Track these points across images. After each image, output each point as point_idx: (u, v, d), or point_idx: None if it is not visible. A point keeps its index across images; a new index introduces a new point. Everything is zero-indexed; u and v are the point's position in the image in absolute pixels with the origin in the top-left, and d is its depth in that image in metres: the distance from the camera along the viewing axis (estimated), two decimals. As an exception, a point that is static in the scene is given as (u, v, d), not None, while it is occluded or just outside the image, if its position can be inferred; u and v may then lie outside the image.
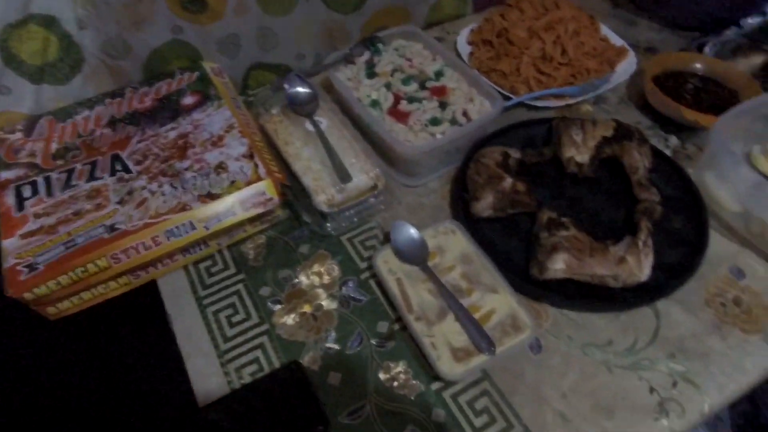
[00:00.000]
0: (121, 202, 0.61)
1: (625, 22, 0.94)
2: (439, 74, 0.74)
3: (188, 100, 0.72)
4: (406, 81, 0.73)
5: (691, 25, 0.91)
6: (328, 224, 0.64)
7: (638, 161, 0.67)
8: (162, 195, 0.62)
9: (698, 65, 0.79)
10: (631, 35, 0.89)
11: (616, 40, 0.85)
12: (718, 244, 0.63)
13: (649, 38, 0.91)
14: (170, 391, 0.55)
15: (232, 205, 0.61)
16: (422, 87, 0.73)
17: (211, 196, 0.61)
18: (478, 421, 0.51)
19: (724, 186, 0.65)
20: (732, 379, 0.53)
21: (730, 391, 0.52)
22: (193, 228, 0.59)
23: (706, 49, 0.83)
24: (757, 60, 0.82)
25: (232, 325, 0.59)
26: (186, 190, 0.62)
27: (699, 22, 0.89)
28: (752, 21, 0.84)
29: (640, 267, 0.57)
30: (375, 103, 0.72)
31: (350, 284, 0.62)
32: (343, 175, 0.61)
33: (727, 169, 0.63)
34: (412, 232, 0.61)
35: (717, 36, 0.84)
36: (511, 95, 0.78)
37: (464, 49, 0.87)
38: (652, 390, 0.53)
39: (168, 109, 0.71)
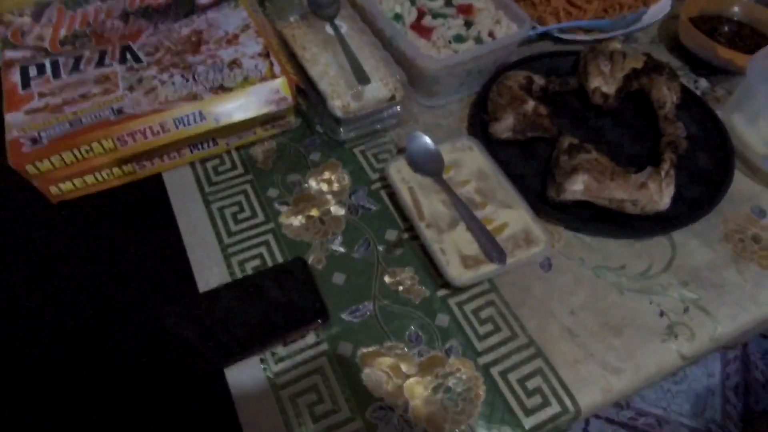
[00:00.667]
0: (130, 89, 0.59)
1: (662, -33, 0.90)
2: (467, -8, 0.71)
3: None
4: (432, -4, 0.70)
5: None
6: (342, 130, 0.61)
7: (666, 96, 0.65)
8: (173, 84, 0.59)
9: (736, 9, 0.76)
10: (667, -20, 0.85)
11: (653, -20, 0.82)
12: (741, 183, 0.62)
13: (685, -15, 0.87)
14: (172, 278, 0.53)
15: (245, 101, 0.58)
16: (448, 4, 0.70)
17: (224, 89, 0.59)
18: (483, 329, 0.50)
19: (753, 127, 0.63)
20: (745, 309, 0.52)
21: (742, 321, 0.51)
22: (203, 119, 0.57)
23: (745, -3, 0.80)
24: (797, 11, 0.78)
25: (237, 221, 0.57)
26: (198, 81, 0.60)
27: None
28: (796, -29, 0.80)
29: (661, 195, 0.56)
30: (398, 17, 0.69)
31: (360, 193, 0.60)
32: (362, 77, 0.59)
33: (763, 107, 0.60)
34: (429, 143, 0.59)
35: (758, -16, 0.81)
36: (538, 25, 0.75)
37: (494, -22, 0.83)
38: (662, 314, 0.51)
39: (183, 6, 0.69)
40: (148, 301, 0.50)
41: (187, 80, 0.60)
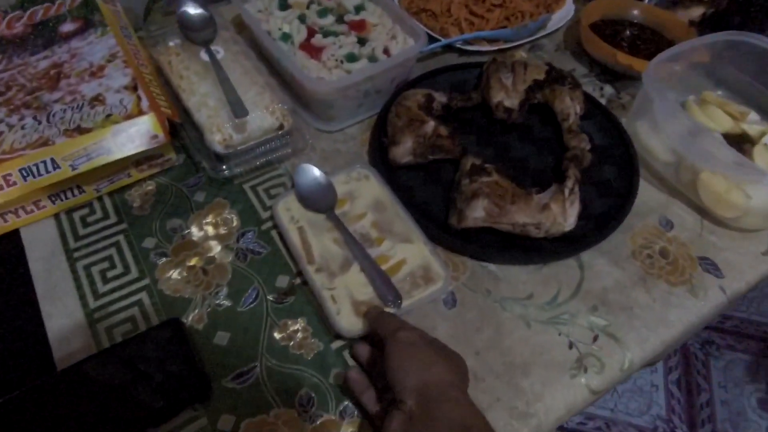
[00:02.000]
0: (-30, 137, 0.51)
1: (566, -30, 0.89)
2: (359, 8, 0.67)
3: (68, 27, 0.62)
4: (322, 13, 0.65)
5: (633, -24, 0.86)
6: (224, 167, 0.56)
7: (569, 107, 0.63)
8: (22, 129, 0.52)
9: (636, 12, 0.75)
10: (571, -17, 0.84)
11: (555, -15, 0.80)
12: (647, 194, 0.60)
13: (589, -12, 0.86)
14: (25, 355, 0.46)
15: (106, 142, 0.52)
16: (340, 21, 0.66)
17: (80, 131, 0.52)
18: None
19: (656, 134, 0.61)
20: (654, 333, 0.49)
21: (652, 345, 0.49)
22: (57, 167, 0.50)
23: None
24: (696, 11, 0.78)
25: (106, 280, 0.51)
26: (51, 123, 0.52)
27: (640, -29, 0.85)
28: (693, -29, 0.80)
29: (565, 215, 0.53)
30: (286, 37, 0.64)
31: (249, 235, 0.55)
32: (238, 109, 0.53)
33: (661, 114, 0.59)
34: (318, 175, 0.55)
35: (658, -15, 0.80)
36: (440, 38, 0.72)
37: (395, -11, 0.79)
38: (571, 345, 0.48)
39: (42, 36, 0.61)
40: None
41: (40, 122, 0.53)
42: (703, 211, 0.58)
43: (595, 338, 0.49)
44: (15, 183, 0.49)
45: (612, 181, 0.60)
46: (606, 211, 0.57)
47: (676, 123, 0.57)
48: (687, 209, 0.59)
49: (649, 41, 0.73)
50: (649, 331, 0.49)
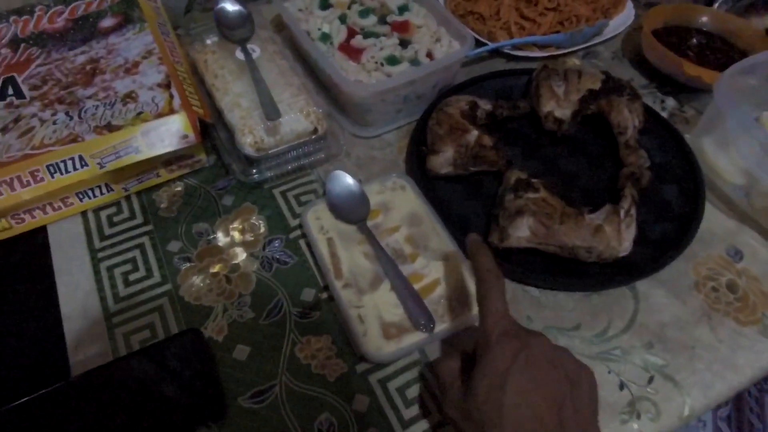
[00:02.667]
0: (3, 130, 0.51)
1: (626, -26, 0.83)
2: (403, 9, 0.63)
3: (107, 22, 0.62)
4: (363, 13, 0.62)
5: (700, -20, 0.80)
6: (255, 171, 0.53)
7: (628, 120, 0.57)
8: (53, 124, 0.51)
9: (705, 19, 0.69)
10: (631, -13, 0.78)
11: (614, -11, 0.75)
12: (714, 220, 0.54)
13: (651, -8, 0.80)
14: (41, 358, 0.45)
15: (135, 140, 0.50)
16: (382, 22, 0.63)
17: (110, 128, 0.50)
18: (409, 413, 0.42)
19: (726, 153, 0.55)
20: (720, 378, 0.44)
21: (717, 393, 0.43)
22: (84, 164, 0.49)
23: (716, 5, 0.73)
24: (772, 20, 0.71)
25: (128, 283, 0.49)
26: (82, 120, 0.51)
27: (709, -24, 0.78)
28: (770, -24, 0.73)
29: (620, 239, 0.48)
30: (325, 37, 0.61)
31: (276, 244, 0.52)
32: (271, 111, 0.51)
33: (733, 131, 0.53)
34: (352, 184, 0.51)
35: (729, -9, 0.74)
36: (487, 42, 0.67)
37: (441, -9, 0.76)
38: (623, 386, 0.43)
39: (81, 31, 0.61)
40: (8, 389, 0.41)
41: (71, 118, 0.52)
42: (778, 242, 0.52)
43: (651, 379, 0.44)
44: (42, 179, 0.48)
45: (673, 203, 0.54)
46: (665, 237, 0.51)
47: (750, 140, 0.51)
48: (759, 239, 0.52)
49: (719, 51, 0.67)
50: (714, 376, 0.44)
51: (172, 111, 0.52)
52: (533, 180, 0.51)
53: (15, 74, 0.56)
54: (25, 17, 0.62)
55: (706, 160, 0.57)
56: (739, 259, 0.51)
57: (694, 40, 0.68)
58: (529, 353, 0.33)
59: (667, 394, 0.43)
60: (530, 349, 0.33)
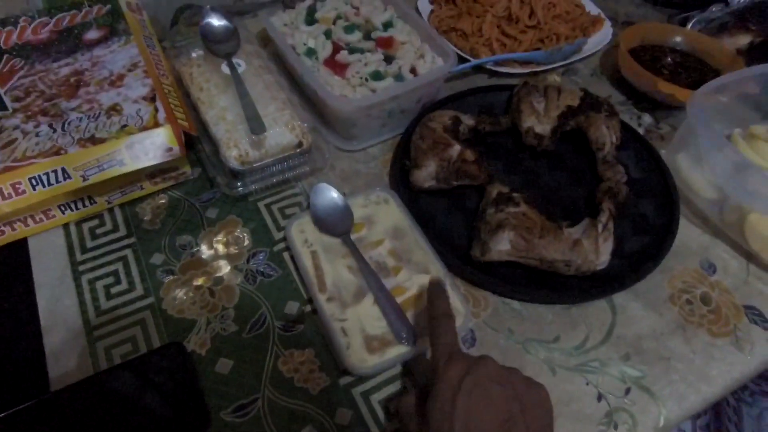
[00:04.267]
0: (-15, 142, 0.50)
1: (605, -7, 0.86)
2: (387, 25, 0.65)
3: (92, 34, 0.62)
4: (349, 29, 0.63)
5: (674, 1, 0.83)
6: (239, 184, 0.53)
7: (605, 136, 0.59)
8: (36, 136, 0.51)
9: (679, 39, 0.72)
10: (609, 7, 0.81)
11: (592, 8, 0.77)
12: (688, 233, 0.56)
13: (628, 12, 0.83)
14: (20, 372, 0.44)
15: (119, 153, 0.50)
16: (367, 38, 0.64)
17: (94, 141, 0.50)
18: (391, 426, 0.42)
19: (699, 169, 0.57)
20: (694, 389, 0.45)
21: (691, 403, 0.44)
22: (68, 177, 0.49)
23: (690, 25, 0.75)
24: (743, 40, 0.74)
25: (110, 296, 0.49)
26: (66, 132, 0.51)
27: (683, -3, 0.81)
28: (740, -2, 0.76)
29: (597, 252, 0.49)
30: (311, 52, 0.62)
31: (261, 257, 0.52)
32: (256, 125, 0.51)
33: (705, 148, 0.55)
34: (336, 197, 0.52)
35: (701, 12, 0.77)
36: (470, 58, 0.69)
37: (425, 8, 0.77)
38: (600, 397, 0.44)
39: (66, 43, 0.60)
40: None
41: (55, 130, 0.51)
42: (750, 255, 0.53)
43: (628, 390, 0.45)
44: (24, 192, 0.48)
45: (649, 217, 0.56)
46: (642, 250, 0.53)
47: (722, 158, 0.53)
48: (732, 252, 0.54)
49: (692, 69, 0.69)
50: (688, 387, 0.45)
51: (156, 124, 0.52)
52: (514, 194, 0.52)
53: (-3, 85, 0.56)
54: (8, 28, 0.62)
55: (681, 175, 0.58)
56: (713, 273, 0.53)
57: (669, 59, 0.70)
58: (476, 376, 0.33)
59: (643, 405, 0.44)
60: (476, 372, 0.34)
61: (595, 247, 0.49)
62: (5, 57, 0.59)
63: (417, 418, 0.36)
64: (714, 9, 0.76)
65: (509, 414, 0.32)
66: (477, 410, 0.32)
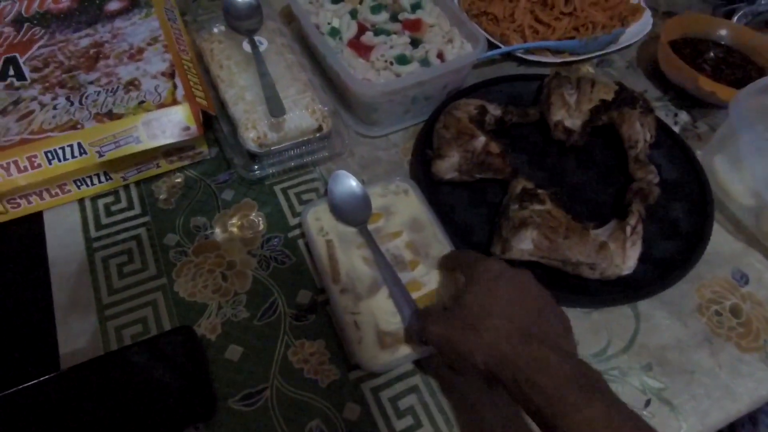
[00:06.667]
0: (3, 112, 0.50)
1: (646, -20, 0.82)
2: (416, 6, 0.62)
3: (114, 5, 0.60)
4: (375, 9, 0.61)
5: (721, -8, 0.78)
6: (256, 167, 0.52)
7: (639, 133, 0.56)
8: (53, 109, 0.50)
9: (723, 32, 0.68)
10: (650, -5, 0.77)
11: (632, -4, 0.73)
12: (721, 241, 0.53)
13: (671, 2, 0.79)
14: (31, 348, 0.44)
15: (135, 130, 0.49)
16: (394, 19, 0.61)
17: (111, 116, 0.49)
18: (400, 424, 0.41)
19: (737, 173, 0.54)
20: (717, 405, 0.43)
21: (714, 420, 0.42)
22: (83, 152, 0.48)
23: (735, 18, 0.71)
24: (792, 36, 0.70)
25: (122, 275, 0.48)
26: (83, 106, 0.50)
27: (730, -13, 0.77)
28: (792, -9, 0.72)
29: (624, 257, 0.47)
30: (335, 32, 0.60)
31: (275, 242, 0.51)
32: (275, 107, 0.50)
33: (746, 151, 0.52)
34: (354, 185, 0.50)
35: (749, 4, 0.72)
36: (500, 45, 0.66)
37: (456, -11, 0.74)
38: (618, 407, 0.43)
39: (87, 13, 0.59)
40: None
41: (72, 104, 0.50)
42: (786, 268, 0.51)
43: (648, 402, 0.43)
44: (39, 165, 0.47)
45: (680, 221, 0.53)
46: (671, 256, 0.50)
47: (763, 162, 0.50)
48: (767, 263, 0.51)
49: (736, 66, 0.65)
50: (712, 402, 0.43)
51: (174, 101, 0.51)
52: (539, 191, 0.50)
53: (17, 54, 0.55)
54: (29, -5, 0.60)
55: (717, 178, 0.56)
56: (745, 283, 0.50)
57: (712, 54, 0.66)
58: (514, 271, 0.38)
59: (663, 418, 0.42)
60: (513, 269, 0.38)
61: (622, 252, 0.47)
62: (26, 25, 0.58)
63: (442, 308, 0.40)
64: (763, 1, 0.72)
65: (542, 307, 0.36)
66: (515, 296, 0.36)
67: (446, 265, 0.46)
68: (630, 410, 0.30)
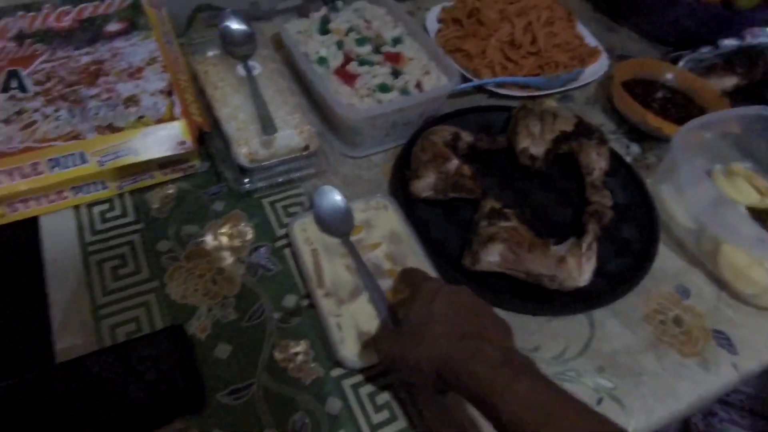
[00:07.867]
0: (6, 121, 0.53)
1: (604, 27, 0.90)
2: (397, 41, 0.68)
3: (113, 26, 0.64)
4: (360, 41, 0.67)
5: (669, 40, 0.87)
6: (247, 180, 0.56)
7: (595, 161, 0.63)
8: (56, 120, 0.53)
9: (670, 76, 0.76)
10: (607, 40, 0.85)
11: (591, 41, 0.81)
12: (665, 259, 0.59)
13: (625, 47, 0.87)
14: (27, 343, 0.46)
15: (135, 143, 0.53)
16: (377, 51, 0.67)
17: (112, 129, 0.53)
18: (377, 417, 0.45)
19: (680, 199, 0.61)
20: (662, 404, 0.48)
21: (659, 417, 0.47)
22: (85, 161, 0.51)
23: (681, 64, 0.80)
24: (729, 82, 0.78)
25: (116, 277, 0.51)
26: (85, 118, 0.53)
27: (676, 36, 0.86)
28: (728, 43, 0.81)
29: (580, 270, 0.52)
30: (322, 60, 0.65)
31: (262, 251, 0.55)
32: (268, 125, 0.54)
33: (686, 181, 0.58)
34: (338, 199, 0.55)
35: (692, 52, 0.81)
36: (473, 78, 0.73)
37: (433, 26, 0.81)
38: (574, 404, 0.47)
39: (87, 33, 0.63)
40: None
41: (74, 116, 0.54)
42: (722, 284, 0.57)
43: (600, 400, 0.48)
44: (41, 172, 0.50)
45: (631, 241, 0.59)
46: (622, 271, 0.56)
47: (700, 191, 0.57)
48: (706, 279, 0.58)
49: (679, 105, 0.73)
50: (656, 401, 0.48)
51: (172, 117, 0.54)
52: (506, 210, 0.55)
53: (19, 68, 0.58)
54: (32, 13, 0.64)
55: (663, 204, 0.62)
56: (686, 297, 0.56)
57: (659, 94, 0.74)
58: (450, 289, 0.42)
59: (613, 415, 0.47)
60: (450, 287, 0.42)
61: (578, 265, 0.52)
62: (28, 41, 0.61)
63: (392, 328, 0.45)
64: (704, 50, 0.81)
65: (480, 313, 0.40)
66: (453, 306, 0.40)
67: (401, 281, 0.50)
68: (557, 386, 0.34)
